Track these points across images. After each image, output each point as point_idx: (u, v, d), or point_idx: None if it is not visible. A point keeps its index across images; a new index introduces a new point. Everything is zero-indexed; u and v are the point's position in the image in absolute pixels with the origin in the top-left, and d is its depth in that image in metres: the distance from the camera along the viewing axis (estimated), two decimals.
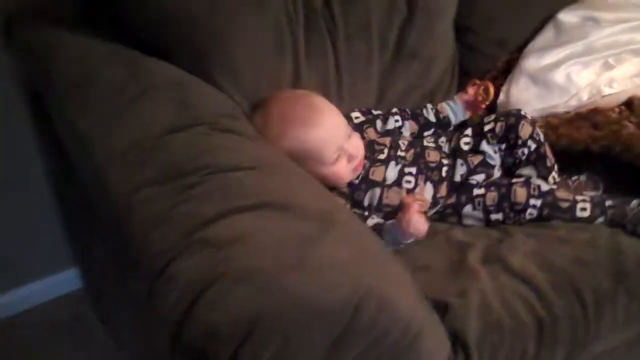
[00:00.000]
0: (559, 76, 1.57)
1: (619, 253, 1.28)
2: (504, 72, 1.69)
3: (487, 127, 1.44)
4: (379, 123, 1.52)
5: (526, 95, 1.59)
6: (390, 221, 1.33)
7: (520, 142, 1.42)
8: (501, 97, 1.63)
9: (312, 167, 1.31)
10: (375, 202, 1.39)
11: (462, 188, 1.42)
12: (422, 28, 1.56)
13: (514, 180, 1.42)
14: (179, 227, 0.99)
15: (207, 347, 0.87)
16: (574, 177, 1.50)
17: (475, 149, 1.45)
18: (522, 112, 1.44)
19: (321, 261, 0.94)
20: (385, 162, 1.41)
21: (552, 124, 1.53)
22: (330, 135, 1.33)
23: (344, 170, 1.36)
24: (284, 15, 1.40)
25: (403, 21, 1.55)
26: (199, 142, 1.14)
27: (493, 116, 1.45)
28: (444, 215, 1.43)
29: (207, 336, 0.87)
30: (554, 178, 1.47)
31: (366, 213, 1.37)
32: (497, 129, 1.43)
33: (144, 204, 1.04)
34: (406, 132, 1.54)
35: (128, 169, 1.10)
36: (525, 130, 1.42)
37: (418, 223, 1.28)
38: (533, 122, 1.44)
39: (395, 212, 1.39)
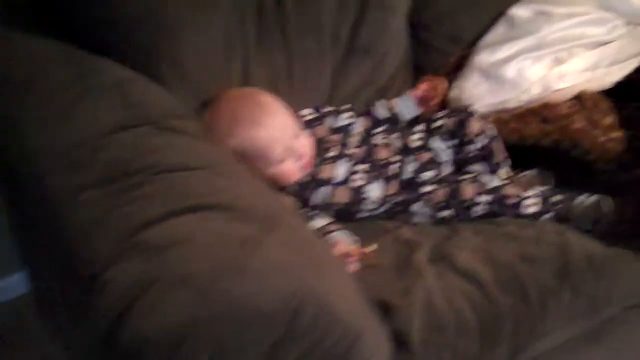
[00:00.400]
0: (510, 71, 1.58)
1: (566, 249, 1.29)
2: (457, 67, 1.68)
3: (436, 124, 1.45)
4: (329, 120, 1.51)
5: (478, 91, 1.60)
6: None
7: (470, 138, 1.43)
8: (453, 92, 1.63)
9: (260, 166, 1.31)
10: (324, 200, 1.39)
11: (411, 185, 1.42)
12: (375, 24, 1.56)
13: (463, 176, 1.43)
14: (117, 230, 0.97)
15: (138, 355, 0.86)
16: (525, 173, 1.51)
17: (425, 146, 1.45)
18: (471, 109, 1.45)
19: (261, 264, 0.93)
20: (335, 160, 1.41)
21: (503, 119, 1.54)
22: (278, 134, 1.32)
23: (292, 170, 1.35)
24: (235, 12, 1.39)
25: (355, 17, 1.54)
26: (144, 142, 1.12)
27: (443, 112, 1.46)
28: (393, 212, 1.44)
29: (139, 344, 0.86)
30: (504, 173, 1.48)
31: (315, 212, 1.37)
32: (447, 126, 1.43)
33: (84, 207, 1.02)
34: (358, 129, 1.53)
35: (70, 171, 1.08)
36: (474, 126, 1.43)
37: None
38: (482, 118, 1.44)
39: (345, 210, 1.40)
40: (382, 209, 1.43)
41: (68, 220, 1.03)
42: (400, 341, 1.12)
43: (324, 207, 1.39)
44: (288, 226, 1.05)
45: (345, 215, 1.41)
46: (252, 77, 1.44)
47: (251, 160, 1.28)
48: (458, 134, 1.43)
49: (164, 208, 0.99)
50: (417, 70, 1.73)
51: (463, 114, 1.43)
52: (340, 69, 1.57)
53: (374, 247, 1.25)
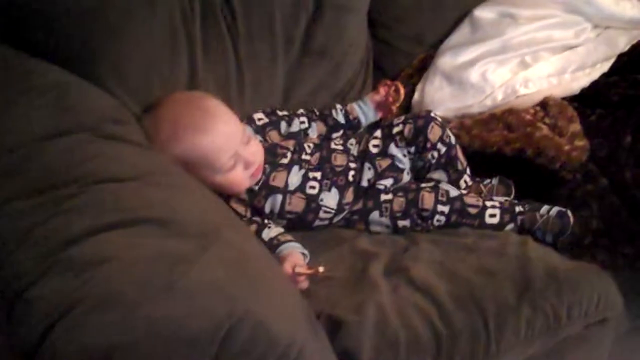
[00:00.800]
0: (473, 75, 1.53)
1: (527, 262, 1.24)
2: (420, 69, 1.64)
3: (395, 130, 1.38)
4: (283, 125, 1.45)
5: (441, 95, 1.55)
6: None
7: (429, 145, 1.37)
8: (415, 96, 1.58)
9: (205, 174, 1.24)
10: (277, 208, 1.33)
11: (369, 193, 1.37)
12: (331, 25, 1.50)
13: (423, 185, 1.37)
14: (42, 246, 0.91)
15: None
16: (487, 181, 1.45)
17: (384, 152, 1.39)
18: (432, 114, 1.39)
19: (193, 284, 0.88)
20: (288, 167, 1.34)
21: (465, 125, 1.48)
22: (224, 141, 1.25)
23: (240, 177, 1.28)
24: (179, 12, 1.32)
25: (310, 18, 1.49)
26: (77, 150, 1.06)
27: (402, 118, 1.40)
28: (350, 221, 1.38)
29: None
30: (465, 182, 1.42)
31: (266, 221, 1.31)
32: (406, 132, 1.37)
33: (9, 219, 0.96)
34: (313, 134, 1.48)
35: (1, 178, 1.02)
36: (434, 133, 1.37)
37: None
38: (443, 125, 1.39)
39: (300, 219, 1.34)
40: (339, 218, 1.37)
41: None
42: (350, 359, 1.07)
43: (278, 216, 1.33)
44: (227, 242, 0.99)
45: (301, 223, 1.35)
46: (199, 81, 1.37)
47: (196, 169, 1.21)
48: (416, 141, 1.37)
49: (93, 222, 0.94)
50: (379, 72, 1.68)
51: (423, 119, 1.37)
52: (294, 71, 1.51)
53: (322, 269, 1.18)
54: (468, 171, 1.43)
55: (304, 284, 1.21)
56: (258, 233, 1.28)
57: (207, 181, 1.23)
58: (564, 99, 1.51)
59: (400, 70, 1.66)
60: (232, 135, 1.26)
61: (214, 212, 1.10)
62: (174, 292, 0.86)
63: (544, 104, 1.49)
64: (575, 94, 1.54)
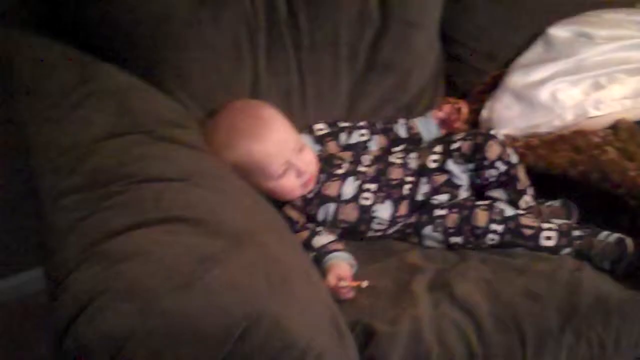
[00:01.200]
0: (544, 94, 1.49)
1: (577, 288, 1.21)
2: (492, 87, 1.61)
3: (454, 146, 1.38)
4: (343, 136, 1.48)
5: (509, 113, 1.52)
6: None
7: (487, 162, 1.36)
8: (484, 113, 1.56)
9: (258, 180, 1.28)
10: (330, 217, 1.36)
11: (423, 208, 1.37)
12: (398, 39, 1.52)
13: (478, 202, 1.36)
14: (85, 237, 0.98)
15: None
16: (549, 203, 1.42)
17: (442, 168, 1.38)
18: (492, 132, 1.38)
19: (213, 282, 0.91)
20: (343, 177, 1.37)
21: (531, 144, 1.45)
22: (276, 149, 1.29)
23: (292, 185, 1.32)
24: (244, 24, 1.39)
25: (376, 32, 1.51)
26: (131, 150, 1.13)
27: (462, 134, 1.39)
28: (405, 234, 1.39)
29: (79, 350, 0.86)
30: (526, 202, 1.39)
31: (318, 228, 1.34)
32: (464, 148, 1.36)
33: (64, 211, 1.04)
34: (374, 147, 1.50)
35: (57, 174, 1.11)
36: (492, 151, 1.35)
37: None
38: (503, 143, 1.37)
39: (353, 229, 1.36)
40: (392, 230, 1.38)
41: (49, 225, 1.05)
42: None
43: (332, 224, 1.36)
44: (258, 245, 1.02)
45: (354, 233, 1.38)
46: (262, 90, 1.42)
47: (249, 174, 1.26)
48: (474, 158, 1.36)
49: (132, 218, 1.00)
50: (450, 88, 1.67)
51: (481, 137, 1.36)
52: (359, 84, 1.54)
53: (366, 283, 1.21)
54: (530, 191, 1.40)
55: (350, 294, 1.23)
56: (309, 240, 1.32)
57: (261, 187, 1.28)
58: (637, 122, 1.45)
59: (472, 87, 1.65)
60: (284, 144, 1.30)
61: (256, 216, 1.13)
62: (192, 289, 0.90)
63: (614, 127, 1.43)
64: None
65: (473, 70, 1.68)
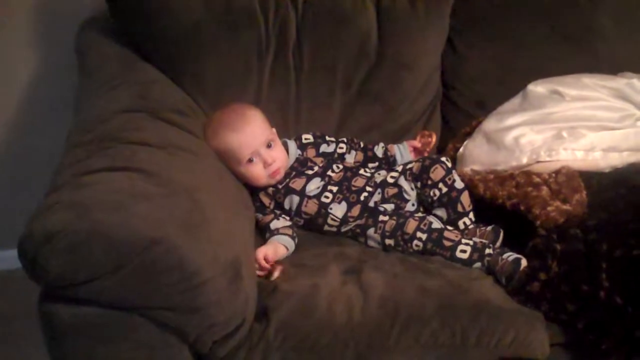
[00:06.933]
0: (508, 138, 1.70)
1: (465, 291, 1.41)
2: (475, 130, 1.85)
3: (408, 166, 1.65)
4: (323, 146, 1.79)
5: (478, 151, 1.75)
6: None
7: (430, 182, 1.60)
8: (460, 150, 1.80)
9: (232, 164, 1.62)
10: (294, 207, 1.66)
11: (372, 212, 1.63)
12: (389, 77, 1.81)
13: (416, 215, 1.60)
14: (73, 171, 1.35)
15: (23, 242, 1.20)
16: (482, 227, 1.62)
17: (395, 183, 1.65)
18: (442, 159, 1.61)
19: (137, 211, 1.23)
20: (310, 177, 1.68)
21: (487, 178, 1.66)
22: (247, 140, 1.61)
23: (259, 173, 1.64)
24: (256, 45, 1.76)
25: (370, 68, 1.83)
26: (132, 122, 1.51)
27: (418, 158, 1.66)
28: (355, 233, 1.66)
29: (27, 236, 1.19)
30: (464, 224, 1.62)
31: (281, 215, 1.66)
32: (414, 169, 1.63)
33: (71, 155, 1.43)
34: (350, 159, 1.79)
35: (81, 132, 1.51)
36: (436, 173, 1.59)
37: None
38: (449, 169, 1.60)
39: (311, 220, 1.66)
40: (345, 228, 1.66)
41: (60, 163, 1.43)
42: (263, 314, 1.35)
43: (296, 214, 1.67)
44: (191, 199, 1.34)
45: (313, 225, 1.67)
46: (262, 100, 1.79)
47: (225, 159, 1.61)
48: (422, 177, 1.61)
49: (107, 164, 1.35)
50: (445, 124, 1.95)
51: (430, 160, 1.61)
52: (349, 107, 1.86)
53: (278, 272, 1.47)
54: (471, 215, 1.62)
55: (261, 273, 1.49)
56: (269, 222, 1.64)
57: (234, 171, 1.62)
58: (578, 171, 1.62)
59: (461, 128, 1.89)
60: (256, 137, 1.63)
61: (207, 183, 1.45)
62: (118, 211, 1.20)
63: (557, 172, 1.61)
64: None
65: (464, 114, 1.93)
